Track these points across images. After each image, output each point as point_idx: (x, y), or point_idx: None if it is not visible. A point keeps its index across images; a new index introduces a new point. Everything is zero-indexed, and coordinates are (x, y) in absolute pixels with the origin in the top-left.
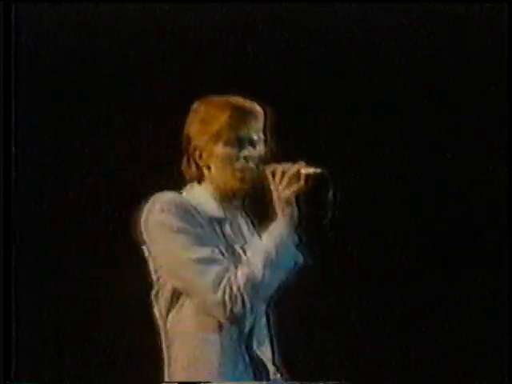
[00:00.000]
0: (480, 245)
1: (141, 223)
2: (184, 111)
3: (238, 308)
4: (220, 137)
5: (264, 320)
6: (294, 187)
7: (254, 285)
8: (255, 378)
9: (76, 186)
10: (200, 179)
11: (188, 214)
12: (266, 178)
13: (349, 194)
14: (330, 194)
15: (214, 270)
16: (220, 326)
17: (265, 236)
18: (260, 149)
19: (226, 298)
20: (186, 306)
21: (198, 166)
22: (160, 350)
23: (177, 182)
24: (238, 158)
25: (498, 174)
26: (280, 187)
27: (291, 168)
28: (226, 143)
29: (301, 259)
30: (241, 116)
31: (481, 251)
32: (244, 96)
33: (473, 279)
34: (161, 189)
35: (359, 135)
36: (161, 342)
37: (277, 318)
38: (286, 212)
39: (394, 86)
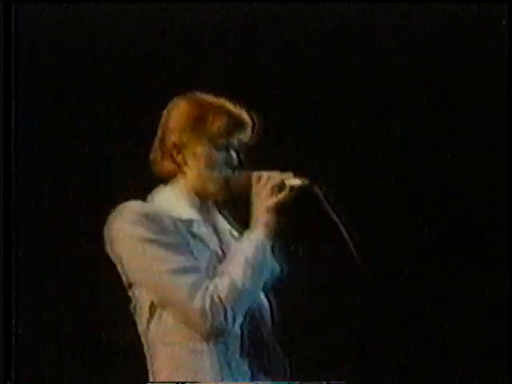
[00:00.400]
0: (480, 245)
1: (106, 236)
2: None
3: (220, 320)
4: (210, 139)
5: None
6: (277, 197)
7: (236, 295)
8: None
9: (76, 185)
10: (170, 175)
11: (156, 222)
12: (247, 183)
13: (348, 194)
14: (325, 205)
15: (190, 279)
16: (201, 338)
17: (243, 244)
18: (241, 158)
19: (207, 308)
20: (166, 316)
21: (174, 162)
22: None
23: None
24: (222, 163)
25: (498, 174)
26: (262, 195)
27: (276, 177)
28: (215, 147)
29: (277, 269)
30: (235, 124)
31: (481, 251)
32: (243, 96)
33: (473, 279)
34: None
35: (358, 135)
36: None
37: (274, 317)
38: (266, 220)
39: (394, 85)
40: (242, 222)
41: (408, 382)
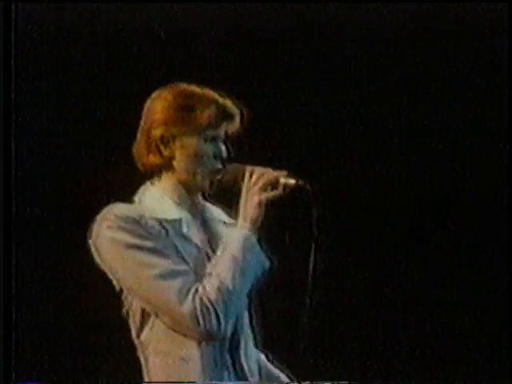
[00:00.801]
0: (480, 245)
1: (91, 242)
2: None
3: (212, 323)
4: (199, 131)
5: (247, 325)
6: (269, 194)
7: (226, 297)
8: None
9: (76, 185)
10: (156, 170)
11: (141, 226)
12: (237, 177)
13: (346, 192)
14: (314, 210)
15: (178, 283)
16: (193, 344)
17: (231, 242)
18: (230, 148)
19: (197, 312)
20: (158, 324)
21: (161, 155)
22: None
23: None
24: (211, 156)
25: (499, 174)
26: (254, 189)
27: (270, 173)
28: (205, 139)
29: (267, 264)
30: (224, 115)
31: (481, 251)
32: (242, 94)
33: (473, 279)
34: None
35: (358, 135)
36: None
37: (261, 318)
38: (254, 215)
39: (394, 85)
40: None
41: (407, 381)
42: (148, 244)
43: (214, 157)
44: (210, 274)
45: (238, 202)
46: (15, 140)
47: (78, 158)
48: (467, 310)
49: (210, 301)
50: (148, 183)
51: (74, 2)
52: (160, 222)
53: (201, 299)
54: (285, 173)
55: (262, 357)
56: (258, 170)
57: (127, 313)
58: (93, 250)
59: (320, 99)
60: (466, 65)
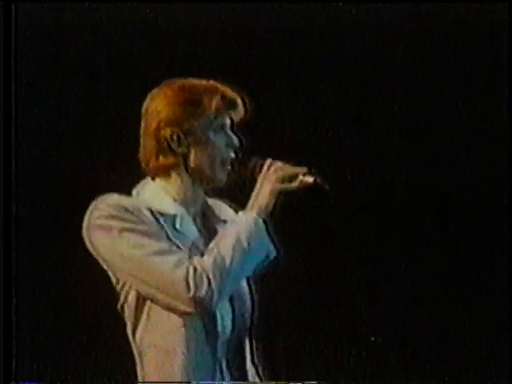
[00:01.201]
0: (480, 245)
1: (84, 234)
2: None
3: (203, 291)
4: (209, 123)
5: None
6: (285, 185)
7: (222, 271)
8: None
9: (76, 185)
10: (167, 170)
11: (134, 214)
12: (254, 169)
13: (345, 192)
14: (330, 203)
15: (172, 257)
16: (188, 340)
17: (237, 221)
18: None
19: (190, 278)
20: (153, 318)
21: (174, 154)
22: None
23: None
24: (224, 146)
25: (499, 175)
26: (269, 178)
27: (291, 168)
28: (214, 129)
29: (273, 252)
30: (229, 103)
31: (481, 251)
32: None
33: (473, 279)
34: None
35: (358, 134)
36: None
37: (259, 316)
38: (266, 202)
39: (393, 85)
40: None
41: (407, 381)
42: (140, 227)
43: (227, 146)
44: (211, 249)
45: (247, 197)
46: (15, 140)
47: (78, 157)
48: (467, 309)
49: (204, 270)
50: (149, 178)
51: (74, 1)
52: (153, 213)
53: (195, 268)
54: (305, 169)
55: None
56: (279, 163)
57: (122, 308)
58: (86, 241)
59: (320, 99)
60: (466, 65)
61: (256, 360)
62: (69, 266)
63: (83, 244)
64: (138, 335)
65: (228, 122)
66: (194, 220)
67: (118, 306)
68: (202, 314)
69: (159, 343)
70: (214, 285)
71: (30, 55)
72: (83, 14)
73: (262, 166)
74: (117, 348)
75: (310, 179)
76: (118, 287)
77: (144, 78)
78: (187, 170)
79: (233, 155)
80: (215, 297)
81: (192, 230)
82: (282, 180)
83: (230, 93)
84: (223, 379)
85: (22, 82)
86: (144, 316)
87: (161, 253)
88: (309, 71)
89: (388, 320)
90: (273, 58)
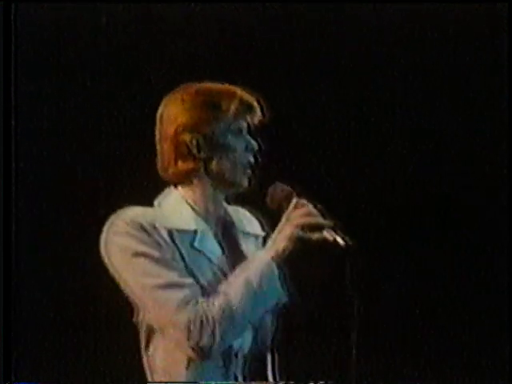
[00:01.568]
0: (480, 245)
1: (101, 246)
2: None
3: (206, 339)
4: (228, 127)
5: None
6: (307, 234)
7: (229, 317)
8: None
9: (76, 185)
10: (187, 177)
11: (149, 234)
12: (283, 198)
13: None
14: (348, 267)
15: (181, 294)
16: (190, 363)
17: (249, 263)
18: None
19: (193, 324)
20: (162, 341)
21: (194, 160)
22: None
23: None
24: (243, 149)
25: (499, 175)
26: (295, 222)
27: (317, 218)
28: (233, 134)
29: (284, 298)
30: (247, 107)
31: (481, 251)
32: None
33: (473, 279)
34: (162, 188)
35: (358, 134)
36: None
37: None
38: (281, 245)
39: (393, 85)
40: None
41: (407, 381)
42: (155, 253)
43: (246, 150)
44: (220, 292)
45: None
46: (15, 140)
47: (78, 157)
48: (467, 309)
49: (209, 317)
50: (172, 187)
51: (74, 2)
52: (171, 232)
53: (200, 312)
54: (331, 224)
55: None
56: (307, 207)
57: (136, 322)
58: (102, 253)
59: (320, 99)
60: (466, 65)
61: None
62: (69, 265)
63: (83, 244)
64: (147, 359)
65: (245, 125)
66: (215, 235)
67: (134, 320)
68: (201, 357)
69: (167, 368)
70: (217, 333)
71: (30, 55)
72: (83, 13)
73: (289, 199)
74: (117, 348)
75: (334, 236)
76: (133, 302)
77: (144, 77)
78: (208, 175)
79: (252, 159)
80: (217, 345)
81: (212, 248)
82: (305, 227)
83: (247, 96)
84: None
85: (22, 82)
86: (154, 340)
87: (169, 286)
88: (308, 71)
89: (388, 320)
90: (272, 57)
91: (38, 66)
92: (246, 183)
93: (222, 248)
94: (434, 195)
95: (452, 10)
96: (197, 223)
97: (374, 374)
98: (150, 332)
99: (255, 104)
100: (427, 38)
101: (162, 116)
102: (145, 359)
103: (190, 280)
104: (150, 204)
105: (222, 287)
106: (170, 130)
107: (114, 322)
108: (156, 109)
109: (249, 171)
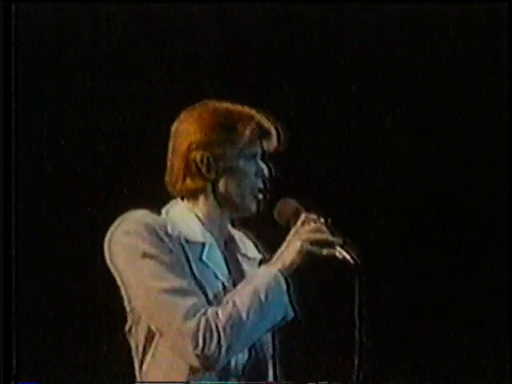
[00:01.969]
0: (480, 245)
1: (106, 247)
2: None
3: (212, 349)
4: (241, 150)
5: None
6: (316, 249)
7: (235, 326)
8: None
9: (76, 186)
10: (193, 194)
11: (159, 238)
12: (290, 214)
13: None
14: (357, 285)
15: (189, 301)
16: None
17: (258, 275)
18: (270, 166)
19: (200, 333)
20: (162, 352)
21: (203, 178)
22: None
23: None
24: (253, 174)
25: (498, 174)
26: (304, 236)
27: (327, 234)
28: (245, 157)
29: (291, 314)
30: (263, 132)
31: (481, 251)
32: (248, 100)
33: (473, 279)
34: (162, 190)
35: (358, 134)
36: None
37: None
38: (290, 259)
39: (393, 85)
40: (267, 245)
41: (407, 380)
42: (164, 257)
43: (256, 175)
44: (227, 301)
45: (269, 235)
46: (15, 140)
47: (78, 157)
48: (467, 309)
49: (216, 326)
50: (179, 199)
51: (74, 2)
52: (181, 241)
53: (207, 321)
54: (341, 241)
55: None
56: (316, 223)
57: (130, 330)
58: (106, 253)
59: (319, 99)
60: (466, 65)
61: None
62: (69, 265)
63: (83, 243)
64: (144, 367)
65: (260, 151)
66: (221, 251)
67: (126, 329)
68: (206, 367)
69: (164, 378)
70: (223, 343)
71: (30, 55)
72: (83, 13)
73: (298, 214)
74: (117, 348)
75: (343, 254)
76: (129, 308)
77: (144, 77)
78: (215, 196)
79: (261, 185)
80: (223, 355)
81: (219, 264)
82: (314, 243)
83: (264, 122)
84: None
85: (22, 82)
86: (152, 348)
87: (177, 292)
88: (308, 71)
89: (388, 320)
90: (272, 57)
91: (38, 66)
92: (253, 208)
93: (227, 265)
94: (433, 195)
95: (452, 9)
96: (204, 236)
97: (374, 373)
98: (149, 339)
99: (272, 131)
100: (427, 38)
101: (176, 131)
102: (142, 369)
103: (197, 289)
104: (153, 208)
105: (229, 297)
106: (183, 147)
107: (114, 322)
108: (156, 109)
109: (258, 196)
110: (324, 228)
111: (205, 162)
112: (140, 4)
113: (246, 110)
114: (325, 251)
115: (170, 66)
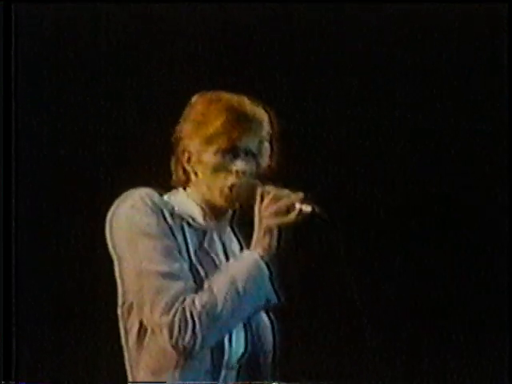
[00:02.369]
0: (480, 245)
1: (108, 220)
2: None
3: (186, 338)
4: (212, 142)
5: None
6: (282, 219)
7: (211, 314)
8: None
9: (76, 185)
10: (185, 184)
11: (162, 217)
12: (250, 194)
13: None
14: (334, 241)
15: (174, 288)
16: (186, 367)
17: (235, 262)
18: (259, 162)
19: (176, 323)
20: (153, 344)
21: (184, 170)
22: None
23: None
24: (229, 171)
25: (498, 174)
26: (265, 213)
27: (285, 198)
28: (218, 151)
29: (274, 297)
30: (240, 121)
31: (481, 251)
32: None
33: (473, 279)
34: (162, 190)
35: (358, 134)
36: None
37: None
38: (264, 242)
39: (393, 85)
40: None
41: (407, 380)
42: (164, 239)
43: (227, 170)
44: (206, 288)
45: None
46: (15, 140)
47: (78, 157)
48: (467, 309)
49: (191, 314)
50: (180, 188)
51: (74, 2)
52: (182, 224)
53: (183, 310)
54: (301, 196)
55: None
56: (271, 192)
57: (122, 315)
58: (107, 226)
59: (319, 98)
60: (466, 65)
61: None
62: (69, 265)
63: (83, 244)
64: (132, 358)
65: (241, 143)
66: (222, 241)
67: (118, 311)
68: (185, 357)
69: (154, 368)
70: (198, 331)
71: (30, 55)
72: (83, 13)
73: (254, 190)
74: (117, 348)
75: (307, 208)
76: (121, 290)
77: (144, 77)
78: (197, 190)
79: (235, 181)
80: (198, 344)
81: (218, 251)
82: (278, 214)
83: (246, 109)
84: None
85: (22, 82)
86: (145, 340)
87: (167, 276)
88: (308, 71)
89: (388, 320)
90: (272, 57)
91: (38, 66)
92: (221, 203)
93: (226, 254)
94: (433, 195)
95: (452, 9)
96: (207, 223)
97: (374, 373)
98: (144, 325)
99: (255, 119)
100: (427, 38)
101: (182, 117)
102: (133, 356)
103: (188, 275)
104: None
105: (208, 284)
106: (175, 135)
107: (114, 322)
108: (155, 108)
109: (225, 191)
110: (281, 192)
111: (184, 153)
112: (140, 4)
113: (232, 100)
114: (292, 216)
115: (170, 66)
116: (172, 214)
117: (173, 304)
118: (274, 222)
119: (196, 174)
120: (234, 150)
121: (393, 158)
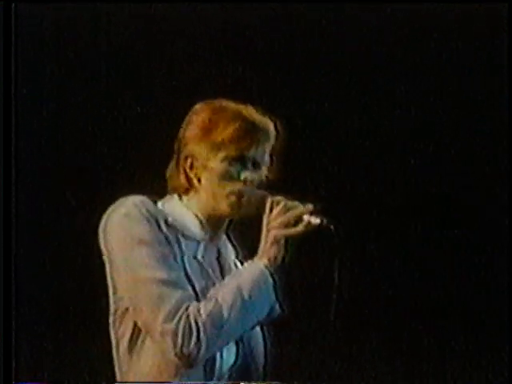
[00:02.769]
0: (480, 245)
1: (101, 229)
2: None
3: (191, 347)
4: (221, 149)
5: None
6: (289, 231)
7: (216, 323)
8: None
9: (76, 185)
10: (185, 191)
11: (156, 225)
12: (260, 204)
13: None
14: (337, 255)
15: (175, 295)
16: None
17: (241, 271)
18: (263, 172)
19: (180, 331)
20: (148, 345)
21: (186, 176)
22: None
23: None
24: (236, 179)
25: (498, 174)
26: (274, 223)
27: (295, 209)
28: (226, 158)
29: (277, 309)
30: (251, 131)
31: (481, 251)
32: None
33: (473, 279)
34: (162, 190)
35: (358, 134)
36: None
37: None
38: (272, 252)
39: (393, 85)
40: (252, 250)
41: (407, 380)
42: (159, 247)
43: (233, 178)
44: (211, 297)
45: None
46: (15, 139)
47: (78, 157)
48: (467, 309)
49: (196, 322)
50: (175, 195)
51: (74, 2)
52: (177, 234)
53: (187, 318)
54: (310, 208)
55: None
56: (282, 202)
57: (114, 323)
58: (100, 235)
59: (319, 99)
60: (466, 65)
61: None
62: (69, 266)
63: (83, 244)
64: (123, 366)
65: (249, 152)
66: (217, 251)
67: (110, 320)
68: (186, 365)
69: (149, 376)
70: (203, 340)
71: (30, 55)
72: (83, 13)
73: (264, 200)
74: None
75: (316, 220)
76: (113, 298)
77: (144, 78)
78: (198, 197)
79: (241, 188)
80: (202, 352)
81: (211, 263)
82: (287, 225)
83: (257, 120)
84: None
85: (22, 82)
86: (139, 343)
87: (166, 284)
88: (308, 71)
89: (388, 320)
90: (273, 57)
91: (38, 66)
92: (226, 211)
93: (220, 264)
94: (433, 195)
95: (452, 9)
96: (200, 234)
97: (374, 373)
98: (136, 333)
99: (264, 130)
100: (427, 38)
101: (184, 122)
102: (124, 361)
103: (187, 284)
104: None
105: (213, 293)
106: (178, 139)
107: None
108: (155, 108)
109: (231, 199)
110: (291, 203)
111: (187, 159)
112: (140, 4)
113: (239, 108)
114: (301, 228)
115: (170, 66)
116: (167, 223)
117: (176, 311)
118: (281, 232)
119: (199, 180)
120: (242, 159)
121: (393, 157)
